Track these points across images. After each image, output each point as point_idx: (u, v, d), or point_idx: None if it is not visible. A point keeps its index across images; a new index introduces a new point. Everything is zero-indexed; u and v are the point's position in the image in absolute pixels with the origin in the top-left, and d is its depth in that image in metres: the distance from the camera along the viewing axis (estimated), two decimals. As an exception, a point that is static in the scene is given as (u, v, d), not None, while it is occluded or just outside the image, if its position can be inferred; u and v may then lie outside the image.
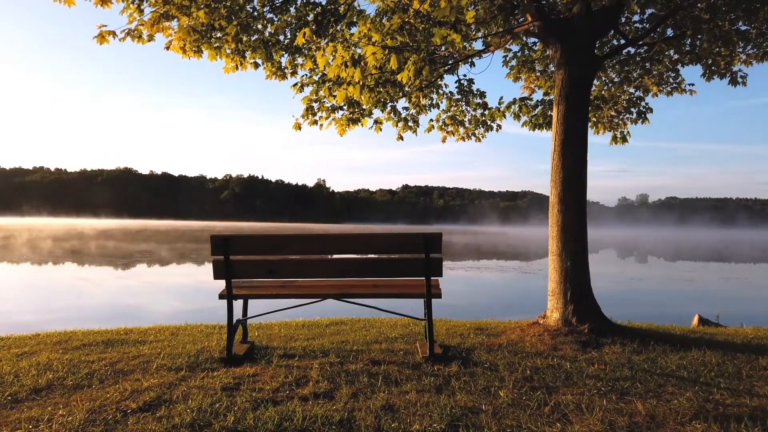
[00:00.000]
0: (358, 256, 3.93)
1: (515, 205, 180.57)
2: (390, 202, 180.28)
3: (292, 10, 5.26)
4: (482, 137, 7.29)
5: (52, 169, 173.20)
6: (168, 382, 3.23)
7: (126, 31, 4.77)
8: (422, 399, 2.94)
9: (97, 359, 3.79)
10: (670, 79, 6.52)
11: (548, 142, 5.19)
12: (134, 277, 16.37)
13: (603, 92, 6.88)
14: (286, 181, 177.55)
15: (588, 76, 5.01)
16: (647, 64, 6.30)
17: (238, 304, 4.05)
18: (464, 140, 7.32)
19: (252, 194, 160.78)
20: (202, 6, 4.65)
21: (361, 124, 6.31)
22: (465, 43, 5.88)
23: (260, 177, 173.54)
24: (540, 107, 6.85)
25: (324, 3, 5.19)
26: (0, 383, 3.21)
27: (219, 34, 4.99)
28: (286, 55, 5.66)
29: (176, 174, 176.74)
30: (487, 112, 7.07)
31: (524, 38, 6.35)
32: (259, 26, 5.28)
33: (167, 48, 5.01)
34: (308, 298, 3.95)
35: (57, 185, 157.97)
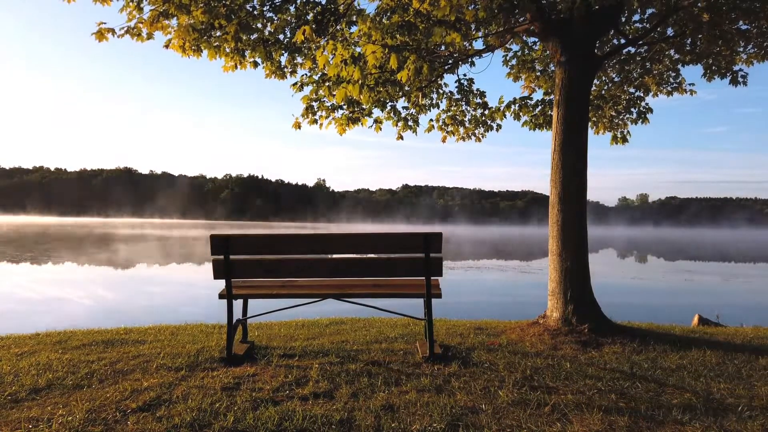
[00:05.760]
0: (358, 256, 3.93)
1: (515, 205, 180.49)
2: (390, 201, 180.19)
3: (292, 9, 5.25)
4: (482, 137, 7.28)
5: (52, 168, 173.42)
6: (168, 381, 3.22)
7: (125, 28, 4.76)
8: (422, 399, 2.93)
9: (97, 359, 3.78)
10: (671, 79, 6.51)
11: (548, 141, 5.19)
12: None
13: (603, 92, 6.87)
14: (286, 181, 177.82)
15: (588, 76, 5.01)
16: (647, 64, 6.29)
17: (237, 304, 4.05)
18: (464, 140, 7.31)
19: (252, 194, 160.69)
20: (201, 5, 4.64)
21: (361, 124, 6.30)
22: (465, 43, 5.88)
23: (260, 177, 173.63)
24: (540, 107, 6.85)
25: (323, 2, 5.18)
26: (0, 383, 3.21)
27: (218, 33, 4.98)
28: (285, 54, 5.65)
29: (176, 174, 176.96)
30: (487, 112, 7.07)
31: (524, 38, 6.34)
32: (259, 25, 5.26)
33: (166, 46, 5.01)
34: (308, 298, 3.95)
35: (57, 185, 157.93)
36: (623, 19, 5.79)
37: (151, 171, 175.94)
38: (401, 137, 6.82)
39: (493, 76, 8.90)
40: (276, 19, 5.28)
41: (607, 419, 2.68)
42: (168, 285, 14.82)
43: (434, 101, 6.83)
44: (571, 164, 4.85)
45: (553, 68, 6.51)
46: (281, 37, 5.45)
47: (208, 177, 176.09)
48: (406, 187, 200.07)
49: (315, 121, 6.23)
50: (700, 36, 5.34)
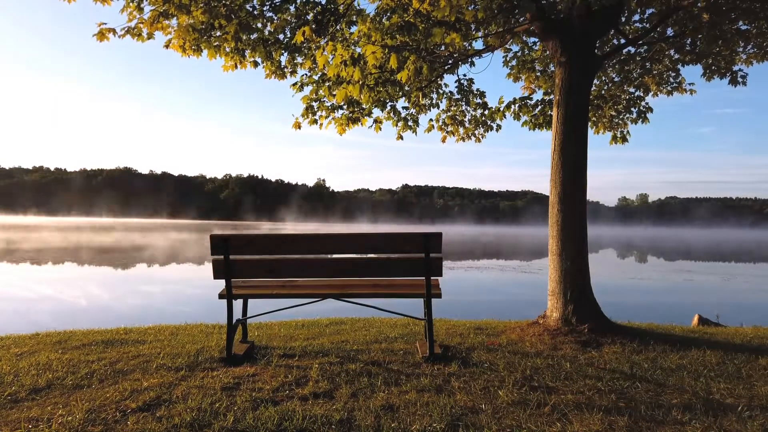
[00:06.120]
0: (358, 256, 3.93)
1: (515, 205, 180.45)
2: (390, 201, 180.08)
3: (292, 9, 5.25)
4: (482, 137, 7.28)
5: (52, 168, 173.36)
6: (168, 381, 3.22)
7: (126, 29, 4.76)
8: (422, 399, 2.93)
9: (97, 359, 3.78)
10: (671, 79, 6.52)
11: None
12: None
13: (603, 92, 6.87)
14: (286, 181, 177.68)
15: (588, 76, 5.01)
16: (647, 64, 6.29)
17: (237, 304, 4.05)
18: (464, 140, 7.32)
19: (252, 194, 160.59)
20: (201, 5, 4.64)
21: (361, 124, 6.30)
22: (465, 43, 5.88)
23: (260, 177, 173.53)
24: (540, 107, 6.85)
25: (323, 2, 5.18)
26: (0, 383, 3.21)
27: (218, 33, 4.98)
28: (285, 54, 5.66)
29: (176, 174, 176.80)
30: (486, 112, 7.07)
31: (524, 38, 6.35)
32: (259, 25, 5.27)
33: (167, 46, 5.01)
34: (308, 298, 3.95)
35: (57, 185, 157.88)
36: (623, 19, 5.79)
37: (151, 171, 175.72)
38: (401, 137, 6.82)
39: (493, 76, 8.91)
40: (276, 19, 5.28)
41: (607, 419, 2.68)
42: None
43: (434, 101, 6.83)
44: (571, 164, 4.86)
45: (553, 68, 6.51)
46: (281, 37, 5.45)
47: (208, 177, 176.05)
48: (406, 187, 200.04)
49: (315, 121, 6.24)
50: (700, 36, 5.34)
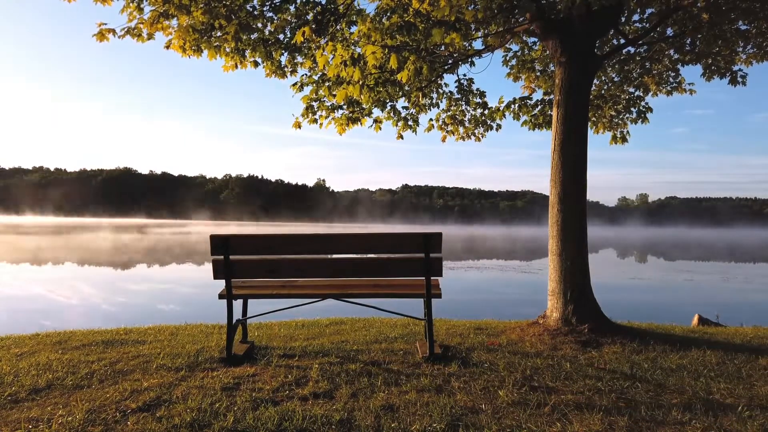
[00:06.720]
0: (358, 256, 3.93)
1: (515, 205, 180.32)
2: (390, 201, 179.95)
3: (292, 9, 5.25)
4: (482, 137, 7.29)
5: (52, 169, 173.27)
6: (168, 382, 3.22)
7: (126, 29, 4.77)
8: (422, 399, 2.93)
9: (97, 359, 3.78)
10: (670, 79, 6.52)
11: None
12: None
13: (603, 92, 6.88)
14: (286, 181, 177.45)
15: (588, 76, 5.01)
16: (647, 64, 6.30)
17: (237, 304, 4.05)
18: (464, 140, 7.33)
19: (252, 194, 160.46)
20: (201, 5, 4.64)
21: (361, 123, 6.31)
22: (465, 43, 5.88)
23: (260, 177, 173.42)
24: (540, 107, 6.85)
25: (323, 2, 5.18)
26: (0, 383, 3.21)
27: (219, 33, 4.98)
28: (285, 54, 5.66)
29: (176, 174, 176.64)
30: (486, 112, 7.07)
31: (524, 38, 6.35)
32: (259, 25, 5.27)
33: (167, 47, 5.01)
34: (308, 298, 3.95)
35: (57, 185, 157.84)
36: (623, 19, 5.79)
37: (151, 171, 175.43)
38: (401, 137, 6.82)
39: (493, 76, 8.91)
40: (276, 19, 5.28)
41: (607, 419, 2.68)
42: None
43: (434, 101, 6.84)
44: (571, 164, 4.86)
45: (553, 68, 6.51)
46: (281, 37, 5.46)
47: (208, 177, 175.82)
48: (406, 187, 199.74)
49: (315, 121, 6.24)
50: (699, 36, 5.34)
